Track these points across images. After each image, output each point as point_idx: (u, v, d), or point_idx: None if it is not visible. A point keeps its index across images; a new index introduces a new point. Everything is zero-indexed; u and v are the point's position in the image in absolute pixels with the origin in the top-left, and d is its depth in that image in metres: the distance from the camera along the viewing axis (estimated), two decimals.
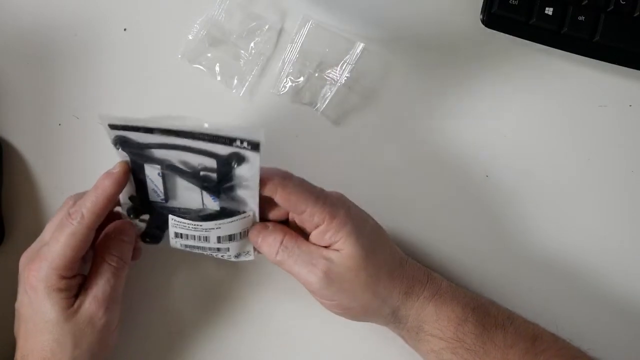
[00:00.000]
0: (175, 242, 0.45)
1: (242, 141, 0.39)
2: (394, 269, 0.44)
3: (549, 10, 0.49)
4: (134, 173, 0.43)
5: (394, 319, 0.44)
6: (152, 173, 0.43)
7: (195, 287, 0.50)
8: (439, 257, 0.51)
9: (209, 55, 0.51)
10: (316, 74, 0.51)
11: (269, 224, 0.45)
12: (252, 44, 0.51)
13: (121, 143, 0.41)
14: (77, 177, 0.50)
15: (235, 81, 0.51)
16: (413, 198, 0.51)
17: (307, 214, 0.42)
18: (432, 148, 0.51)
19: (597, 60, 0.50)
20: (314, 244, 0.43)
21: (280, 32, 0.51)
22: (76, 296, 0.42)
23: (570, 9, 0.49)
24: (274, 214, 0.45)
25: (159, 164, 0.42)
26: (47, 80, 0.51)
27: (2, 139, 0.50)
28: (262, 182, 0.42)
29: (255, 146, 0.39)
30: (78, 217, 0.41)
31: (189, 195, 0.43)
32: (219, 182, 0.42)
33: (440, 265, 0.50)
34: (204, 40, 0.51)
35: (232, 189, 0.42)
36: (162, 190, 0.43)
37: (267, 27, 0.51)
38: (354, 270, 0.42)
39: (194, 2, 0.51)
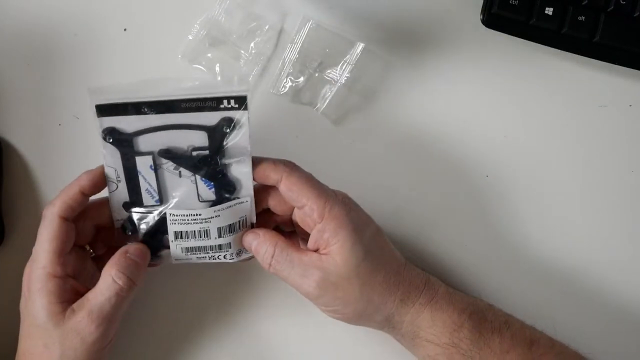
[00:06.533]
0: (175, 248, 0.44)
1: (228, 100, 0.40)
2: (391, 276, 0.44)
3: (549, 10, 0.49)
4: (126, 177, 0.43)
5: (387, 325, 0.44)
6: (145, 168, 0.43)
7: (195, 294, 0.51)
8: (437, 257, 0.51)
9: (209, 55, 0.51)
10: (316, 74, 0.51)
11: (260, 232, 0.44)
12: (252, 44, 0.51)
13: (110, 134, 0.42)
14: (76, 177, 0.50)
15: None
16: (413, 198, 0.51)
17: (307, 209, 0.42)
18: (431, 148, 0.51)
19: (597, 60, 0.50)
20: (313, 243, 0.43)
21: (280, 32, 0.51)
22: (70, 302, 0.41)
23: (570, 9, 0.49)
24: (280, 209, 0.45)
25: (149, 154, 0.42)
26: (47, 80, 0.51)
27: (2, 139, 0.50)
28: (269, 167, 0.42)
29: (242, 102, 0.40)
30: (49, 206, 0.42)
31: (183, 189, 0.43)
32: (212, 159, 0.42)
33: (438, 266, 0.50)
34: (204, 41, 0.51)
35: (226, 166, 0.42)
36: (156, 188, 0.43)
37: (267, 27, 0.51)
38: (347, 278, 0.42)
39: (194, 2, 0.51)
